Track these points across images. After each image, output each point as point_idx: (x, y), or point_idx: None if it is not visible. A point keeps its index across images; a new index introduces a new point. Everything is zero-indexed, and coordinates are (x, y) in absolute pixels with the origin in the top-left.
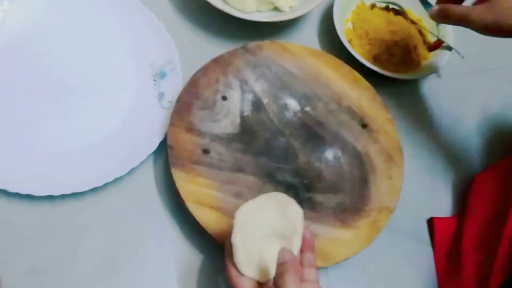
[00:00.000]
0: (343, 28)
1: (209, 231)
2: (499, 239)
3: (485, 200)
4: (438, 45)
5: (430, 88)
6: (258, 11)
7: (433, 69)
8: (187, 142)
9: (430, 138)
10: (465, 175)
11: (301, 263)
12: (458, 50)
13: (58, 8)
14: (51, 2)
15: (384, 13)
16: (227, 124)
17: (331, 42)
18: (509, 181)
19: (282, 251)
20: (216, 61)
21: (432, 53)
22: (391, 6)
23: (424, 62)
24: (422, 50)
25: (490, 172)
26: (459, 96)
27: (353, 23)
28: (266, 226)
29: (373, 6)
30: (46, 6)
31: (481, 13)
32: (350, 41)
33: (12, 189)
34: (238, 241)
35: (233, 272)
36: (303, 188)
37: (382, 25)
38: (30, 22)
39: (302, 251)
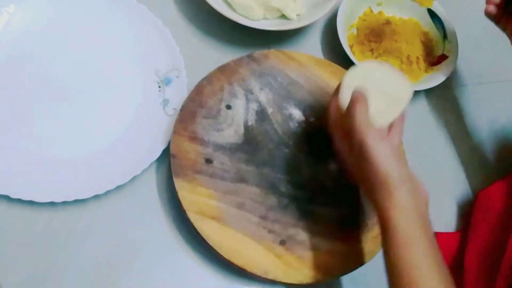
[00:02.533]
0: (347, 33)
1: (210, 242)
2: (502, 256)
3: (489, 216)
4: (441, 59)
5: (436, 100)
6: (265, 18)
7: (435, 82)
8: (190, 151)
9: (436, 151)
10: (470, 189)
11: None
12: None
13: (63, 13)
14: (57, 6)
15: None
16: (231, 133)
17: (334, 49)
18: None
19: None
20: (221, 69)
21: (436, 66)
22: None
23: (425, 75)
24: (425, 62)
25: (495, 188)
26: (466, 109)
27: (357, 29)
28: (374, 84)
29: (380, 13)
30: (52, 10)
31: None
32: (351, 46)
33: (14, 195)
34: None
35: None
36: (306, 200)
37: (386, 33)
38: (35, 27)
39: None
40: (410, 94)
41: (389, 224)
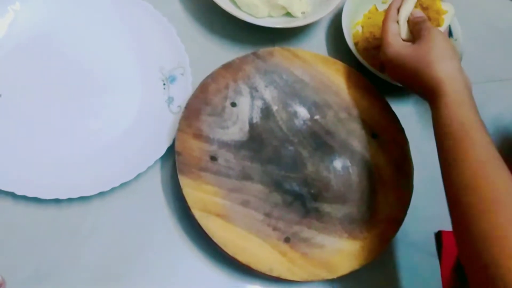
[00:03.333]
0: (352, 30)
1: (215, 239)
2: None
3: None
4: None
5: None
6: (270, 16)
7: None
8: (195, 148)
9: None
10: None
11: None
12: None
13: (68, 11)
14: (62, 4)
15: None
16: (236, 131)
17: (339, 47)
18: None
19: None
20: (226, 67)
21: None
22: None
23: None
24: None
25: None
26: None
27: (362, 27)
28: None
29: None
30: (57, 8)
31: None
32: (356, 44)
33: (19, 191)
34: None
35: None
36: (310, 198)
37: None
38: (40, 24)
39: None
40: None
41: (441, 94)
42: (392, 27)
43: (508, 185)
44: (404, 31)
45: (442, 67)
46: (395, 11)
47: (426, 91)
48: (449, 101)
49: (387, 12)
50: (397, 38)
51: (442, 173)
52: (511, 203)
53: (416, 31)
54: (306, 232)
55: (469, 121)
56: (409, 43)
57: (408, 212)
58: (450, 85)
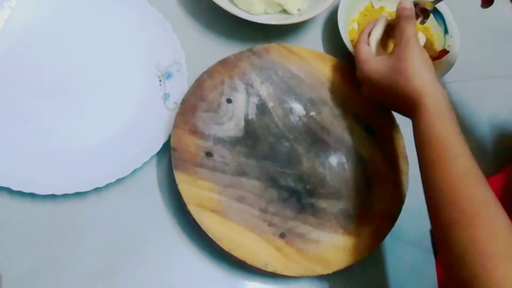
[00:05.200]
0: (348, 27)
1: (210, 234)
2: None
3: None
4: (442, 54)
5: None
6: (266, 13)
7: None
8: (190, 144)
9: None
10: None
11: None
12: (466, 58)
13: (64, 7)
14: (57, 1)
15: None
16: (231, 127)
17: (335, 44)
18: (510, 190)
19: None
20: (222, 63)
21: (437, 61)
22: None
23: None
24: None
25: (491, 182)
26: (467, 103)
27: (358, 24)
28: None
29: (382, 8)
30: (52, 5)
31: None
32: (352, 41)
33: (15, 187)
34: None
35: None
36: (306, 194)
37: (387, 28)
38: (36, 21)
39: None
40: None
41: (420, 107)
42: (364, 48)
43: (488, 198)
44: (374, 53)
45: (420, 80)
46: (366, 35)
47: (405, 105)
48: (428, 114)
49: (359, 36)
50: (370, 56)
51: (423, 186)
52: (490, 216)
53: (396, 33)
54: (302, 228)
55: (448, 134)
56: (384, 57)
57: (403, 208)
58: (429, 98)
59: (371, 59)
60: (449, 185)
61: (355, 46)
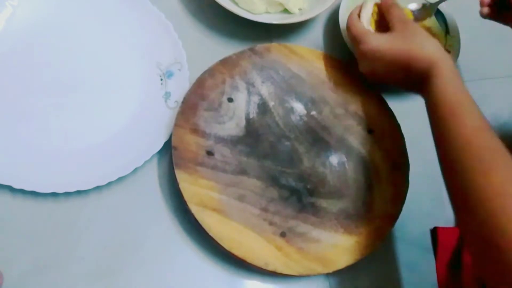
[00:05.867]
0: None
1: (211, 233)
2: None
3: None
4: None
5: None
6: (267, 12)
7: None
8: (191, 143)
9: None
10: None
11: None
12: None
13: (65, 6)
14: (59, 0)
15: None
16: (232, 126)
17: (336, 43)
18: None
19: None
20: (223, 62)
21: None
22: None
23: None
24: None
25: None
26: None
27: None
28: None
29: None
30: (54, 4)
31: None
32: None
33: (16, 185)
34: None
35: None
36: (306, 193)
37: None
38: (38, 19)
39: None
40: None
41: (434, 72)
42: (358, 27)
43: (502, 149)
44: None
45: (432, 47)
46: (356, 16)
47: (418, 73)
48: (443, 76)
49: (348, 20)
50: (368, 33)
51: (437, 144)
52: (506, 163)
53: (388, 18)
54: (302, 227)
55: (462, 93)
56: (383, 34)
57: (404, 208)
58: (442, 62)
59: (370, 36)
60: (465, 137)
61: (347, 29)
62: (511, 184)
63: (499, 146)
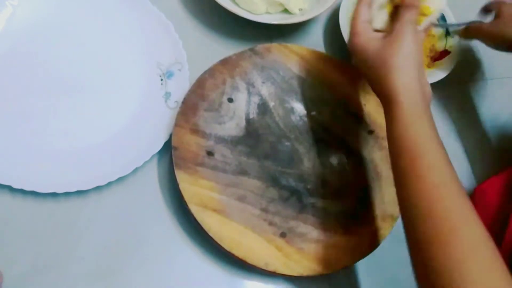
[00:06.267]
0: (349, 28)
1: (211, 234)
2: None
3: (486, 212)
4: (444, 55)
5: (438, 95)
6: (268, 12)
7: (437, 77)
8: (191, 143)
9: None
10: (471, 185)
11: None
12: (467, 58)
13: (66, 6)
14: (59, 0)
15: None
16: (232, 126)
17: (337, 43)
18: (510, 191)
19: None
20: (224, 62)
21: (438, 62)
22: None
23: (428, 70)
24: (427, 57)
25: (491, 184)
26: (468, 104)
27: None
28: None
29: None
30: (54, 4)
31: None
32: None
33: (16, 185)
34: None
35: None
36: (306, 193)
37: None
38: (38, 19)
39: None
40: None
41: (395, 105)
42: (363, 13)
43: (465, 212)
44: (378, 19)
45: (400, 75)
46: (364, 5)
47: (381, 97)
48: (403, 114)
49: (356, 7)
50: (366, 27)
51: (397, 194)
52: (467, 232)
53: (395, 18)
54: (302, 227)
55: (424, 139)
56: (378, 35)
57: None
58: (405, 96)
59: (364, 33)
60: (423, 199)
61: (356, 7)
62: (471, 252)
63: (461, 209)
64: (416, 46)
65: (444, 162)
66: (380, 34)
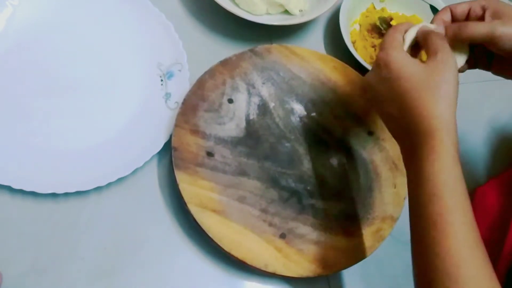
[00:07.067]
0: (349, 29)
1: (211, 234)
2: (499, 254)
3: (486, 213)
4: None
5: None
6: (268, 13)
7: None
8: (191, 144)
9: None
10: (470, 186)
11: None
12: None
13: (67, 6)
14: (60, 0)
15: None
16: (232, 127)
17: (337, 45)
18: (510, 192)
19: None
20: (224, 63)
21: None
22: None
23: None
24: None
25: (490, 185)
26: (468, 106)
27: (360, 25)
28: None
29: (383, 10)
30: (55, 3)
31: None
32: (354, 42)
33: (16, 185)
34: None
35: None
36: (306, 194)
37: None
38: (39, 19)
39: None
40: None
41: (434, 140)
42: (399, 37)
43: (485, 270)
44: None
45: (443, 110)
46: (403, 29)
47: (413, 126)
48: (442, 156)
49: (395, 26)
50: (402, 48)
51: (412, 235)
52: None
53: (429, 46)
54: (302, 228)
55: (461, 190)
56: (416, 60)
57: (404, 209)
58: (447, 136)
59: (402, 51)
60: (444, 251)
61: (391, 29)
62: None
63: (482, 267)
64: (457, 80)
65: (470, 215)
66: (418, 60)
